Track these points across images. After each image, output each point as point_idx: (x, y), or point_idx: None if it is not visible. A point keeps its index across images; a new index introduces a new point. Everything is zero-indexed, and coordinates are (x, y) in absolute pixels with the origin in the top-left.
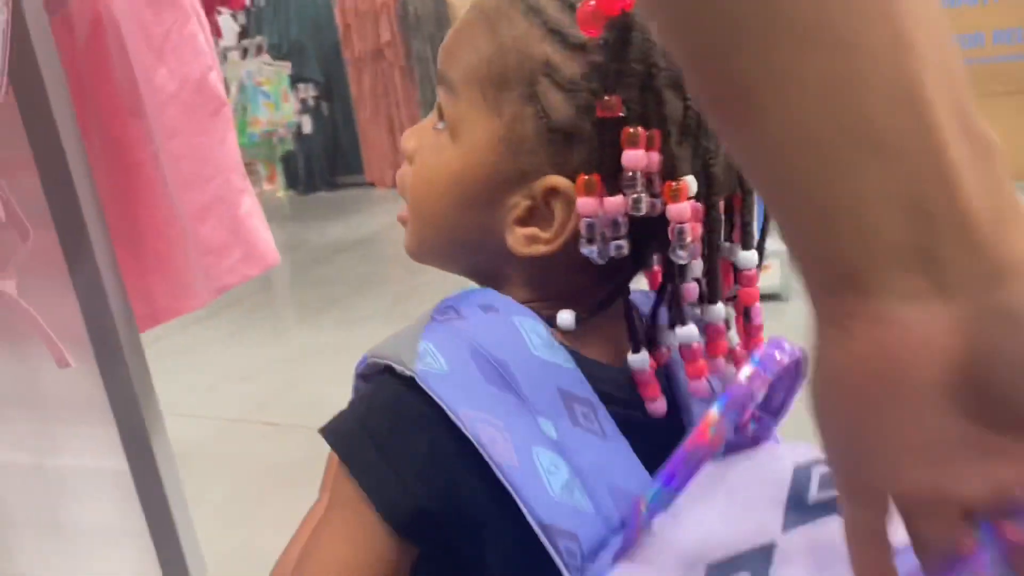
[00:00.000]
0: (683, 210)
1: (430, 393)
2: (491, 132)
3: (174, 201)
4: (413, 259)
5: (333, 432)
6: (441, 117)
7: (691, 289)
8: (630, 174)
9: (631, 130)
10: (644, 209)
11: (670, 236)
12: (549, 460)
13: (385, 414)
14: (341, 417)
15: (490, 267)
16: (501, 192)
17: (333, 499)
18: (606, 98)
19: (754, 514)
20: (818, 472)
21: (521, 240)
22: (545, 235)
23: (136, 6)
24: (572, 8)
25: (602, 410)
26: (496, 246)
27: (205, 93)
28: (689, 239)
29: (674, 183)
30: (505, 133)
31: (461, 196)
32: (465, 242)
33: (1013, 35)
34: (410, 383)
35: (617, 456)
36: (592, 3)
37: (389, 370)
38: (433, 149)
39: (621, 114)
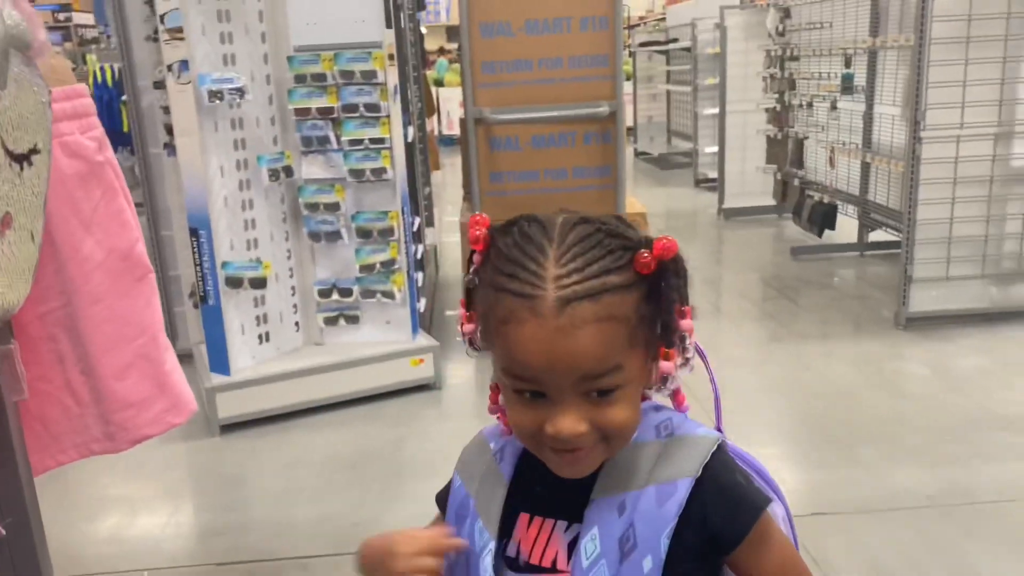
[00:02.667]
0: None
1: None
2: (640, 356)
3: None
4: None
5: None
6: (593, 394)
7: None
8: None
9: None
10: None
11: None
12: None
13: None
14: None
15: None
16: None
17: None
18: (675, 297)
19: None
20: None
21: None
22: None
23: (68, 184)
24: (625, 268)
25: None
26: None
27: (131, 260)
28: None
29: None
30: (645, 347)
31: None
32: None
33: (589, 171)
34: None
35: None
36: (647, 256)
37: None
38: (617, 404)
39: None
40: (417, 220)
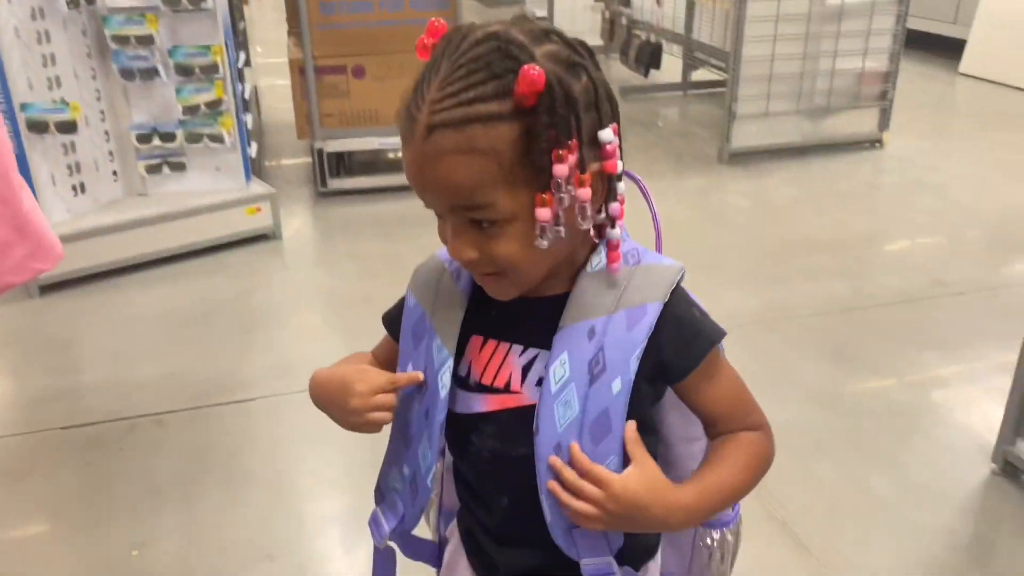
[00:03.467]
0: (587, 192)
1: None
2: (530, 194)
3: None
4: (512, 297)
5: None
6: (481, 224)
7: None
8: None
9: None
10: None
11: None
12: None
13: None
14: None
15: (570, 249)
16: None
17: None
18: (552, 134)
19: None
20: None
21: (597, 216)
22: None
23: None
24: (504, 95)
25: None
26: (572, 236)
27: None
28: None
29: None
30: (541, 188)
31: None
32: (561, 251)
33: (426, 2)
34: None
35: None
36: (520, 90)
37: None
38: (503, 238)
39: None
40: (243, 56)
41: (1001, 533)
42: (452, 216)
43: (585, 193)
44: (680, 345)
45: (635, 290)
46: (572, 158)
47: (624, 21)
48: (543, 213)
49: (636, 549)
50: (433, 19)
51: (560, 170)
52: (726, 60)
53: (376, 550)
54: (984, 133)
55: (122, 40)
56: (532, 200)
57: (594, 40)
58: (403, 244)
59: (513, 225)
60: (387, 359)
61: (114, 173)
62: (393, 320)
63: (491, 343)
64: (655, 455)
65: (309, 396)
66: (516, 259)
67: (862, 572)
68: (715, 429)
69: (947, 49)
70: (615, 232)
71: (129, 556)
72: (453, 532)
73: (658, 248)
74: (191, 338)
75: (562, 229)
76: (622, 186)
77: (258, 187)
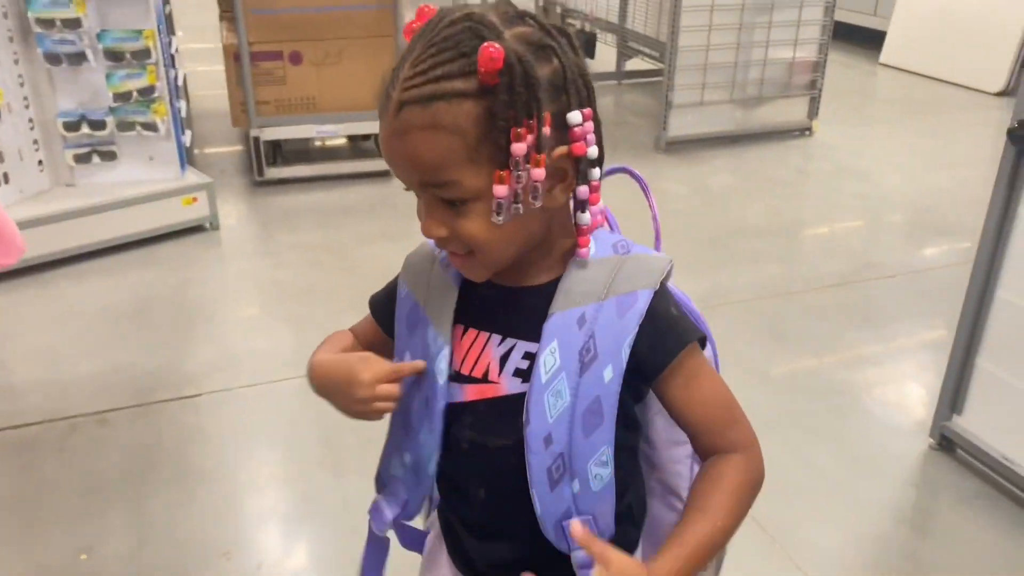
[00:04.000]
0: (540, 172)
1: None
2: (494, 175)
3: None
4: (485, 278)
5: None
6: (450, 203)
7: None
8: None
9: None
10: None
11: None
12: None
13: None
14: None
15: (539, 231)
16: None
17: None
18: (511, 113)
19: None
20: None
21: (563, 198)
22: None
23: None
24: (469, 74)
25: None
26: (540, 216)
27: None
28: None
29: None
30: (501, 167)
31: (524, 219)
32: (532, 232)
33: None
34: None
35: None
36: (483, 69)
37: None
38: (470, 217)
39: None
40: (175, 41)
41: (941, 504)
42: (423, 193)
43: (539, 173)
44: (654, 340)
45: (625, 278)
46: (530, 138)
47: (558, 10)
48: (499, 190)
49: (622, 543)
50: (423, 4)
51: (517, 148)
52: (660, 50)
53: (369, 539)
54: (905, 121)
55: (47, 23)
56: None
57: None
58: (344, 232)
59: (479, 203)
60: (368, 341)
61: (40, 163)
62: (378, 303)
63: (471, 332)
64: (637, 451)
65: (310, 384)
66: (482, 238)
67: (815, 547)
68: (697, 442)
69: (868, 40)
70: (584, 216)
71: (77, 560)
72: (434, 523)
73: (657, 246)
74: (130, 333)
75: (520, 207)
76: (597, 172)
77: (194, 176)
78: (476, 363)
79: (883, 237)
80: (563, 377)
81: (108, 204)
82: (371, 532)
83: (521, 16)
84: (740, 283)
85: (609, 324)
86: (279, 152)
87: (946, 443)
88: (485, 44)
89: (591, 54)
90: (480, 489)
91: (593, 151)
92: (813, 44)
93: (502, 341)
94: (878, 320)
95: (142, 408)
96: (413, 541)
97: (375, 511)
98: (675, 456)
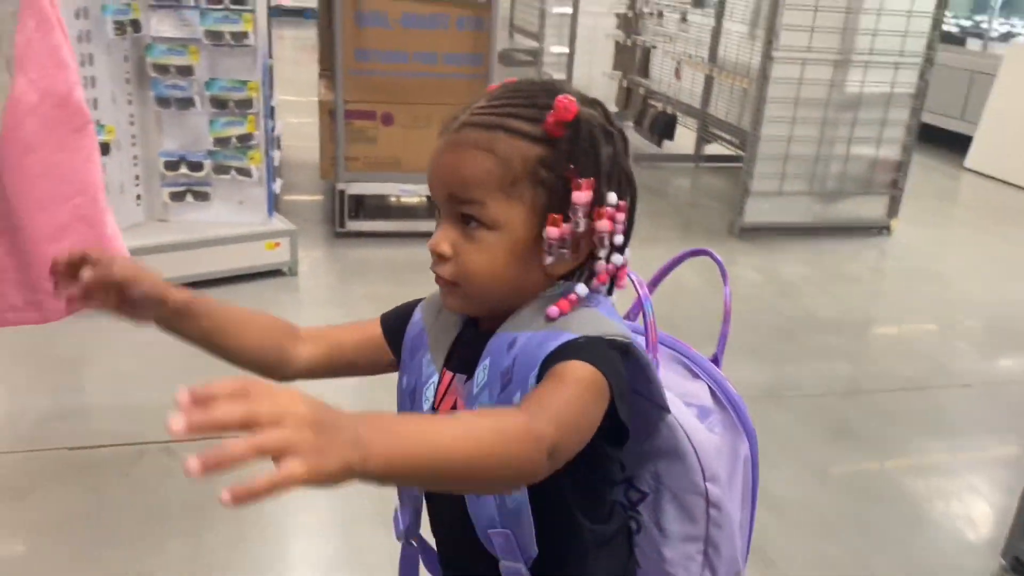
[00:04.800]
0: (606, 224)
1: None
2: (521, 213)
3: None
4: (458, 312)
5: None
6: (466, 223)
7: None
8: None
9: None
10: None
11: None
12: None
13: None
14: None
15: (527, 287)
16: (539, 244)
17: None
18: (571, 166)
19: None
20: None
21: (564, 268)
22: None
23: None
24: (535, 121)
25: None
26: (537, 275)
27: (69, 108)
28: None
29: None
30: (531, 208)
31: (521, 261)
32: (521, 286)
33: (460, 58)
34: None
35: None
36: (551, 118)
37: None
38: (478, 244)
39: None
40: (276, 94)
41: None
42: (446, 207)
43: (604, 225)
44: (538, 347)
45: (567, 322)
46: (589, 193)
47: (641, 91)
48: (552, 231)
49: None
50: (509, 78)
51: (580, 197)
52: (740, 136)
53: (403, 550)
54: (986, 227)
55: (162, 69)
56: (521, 216)
57: (609, 107)
58: (414, 288)
59: (493, 234)
60: (355, 342)
61: (138, 197)
62: (389, 316)
63: (447, 374)
64: (626, 527)
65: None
66: (478, 269)
67: None
68: None
69: (953, 143)
70: (580, 287)
71: None
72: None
73: (724, 328)
74: (204, 368)
75: (567, 253)
76: (619, 258)
77: (279, 223)
78: (443, 401)
79: (958, 344)
80: (487, 393)
81: (196, 242)
82: (403, 543)
83: (595, 102)
84: (807, 377)
85: (528, 353)
86: (361, 206)
87: (1018, 566)
88: (562, 95)
89: (670, 136)
90: (444, 512)
91: (619, 238)
92: (897, 144)
93: (467, 380)
94: (948, 429)
95: (207, 442)
96: (431, 563)
97: (395, 519)
98: (688, 552)
